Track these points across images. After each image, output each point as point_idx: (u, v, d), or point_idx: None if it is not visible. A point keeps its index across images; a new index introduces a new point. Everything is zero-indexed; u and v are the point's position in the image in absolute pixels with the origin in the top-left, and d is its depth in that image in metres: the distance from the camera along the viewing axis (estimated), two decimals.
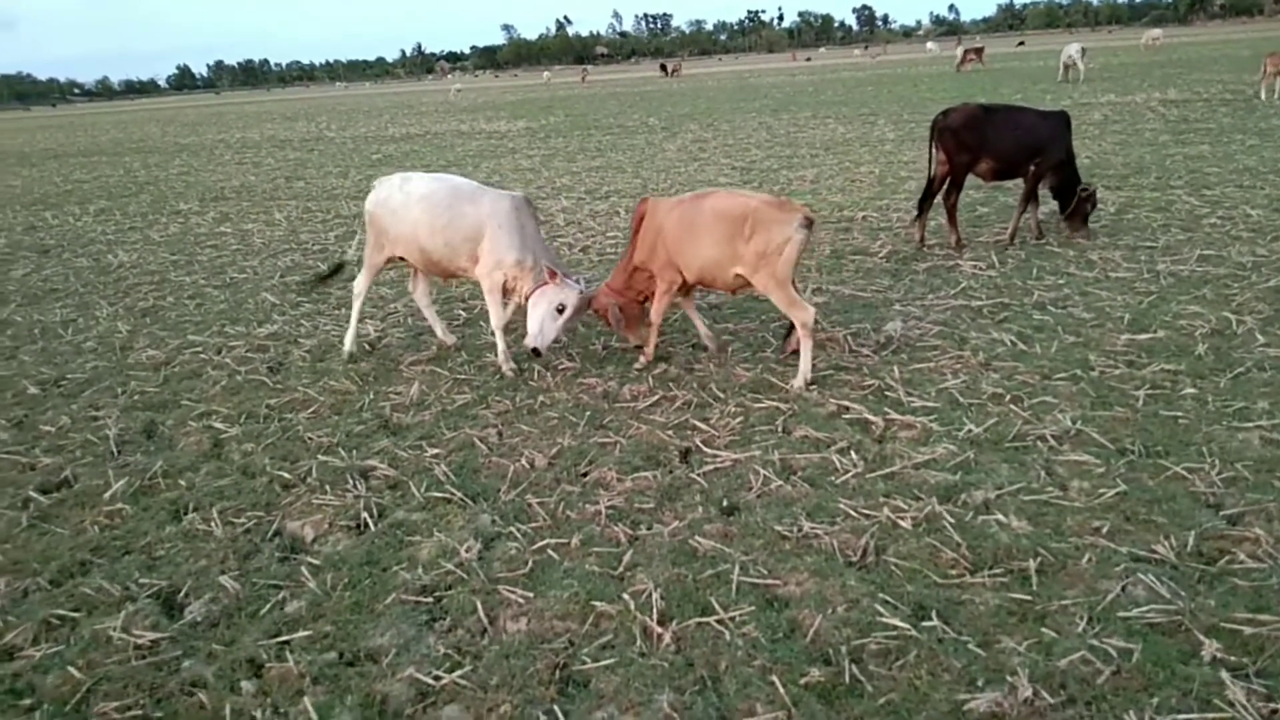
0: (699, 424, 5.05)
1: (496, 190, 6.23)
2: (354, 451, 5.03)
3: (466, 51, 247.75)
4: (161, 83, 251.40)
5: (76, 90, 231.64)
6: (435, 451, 4.96)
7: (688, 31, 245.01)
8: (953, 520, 3.90)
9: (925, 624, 3.23)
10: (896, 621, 3.23)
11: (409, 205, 6.08)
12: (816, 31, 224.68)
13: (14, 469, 5.09)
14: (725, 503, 4.19)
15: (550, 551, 3.87)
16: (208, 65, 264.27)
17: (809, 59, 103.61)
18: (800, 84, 44.03)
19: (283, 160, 22.62)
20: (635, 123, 27.06)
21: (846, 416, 5.03)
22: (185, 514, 4.43)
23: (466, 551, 3.88)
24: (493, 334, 6.27)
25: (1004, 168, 8.46)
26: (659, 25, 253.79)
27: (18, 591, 3.84)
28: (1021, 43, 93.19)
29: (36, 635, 3.51)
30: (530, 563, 3.79)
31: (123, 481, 4.75)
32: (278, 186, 16.97)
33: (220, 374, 6.49)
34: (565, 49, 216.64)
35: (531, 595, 3.56)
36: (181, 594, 3.74)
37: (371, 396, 5.85)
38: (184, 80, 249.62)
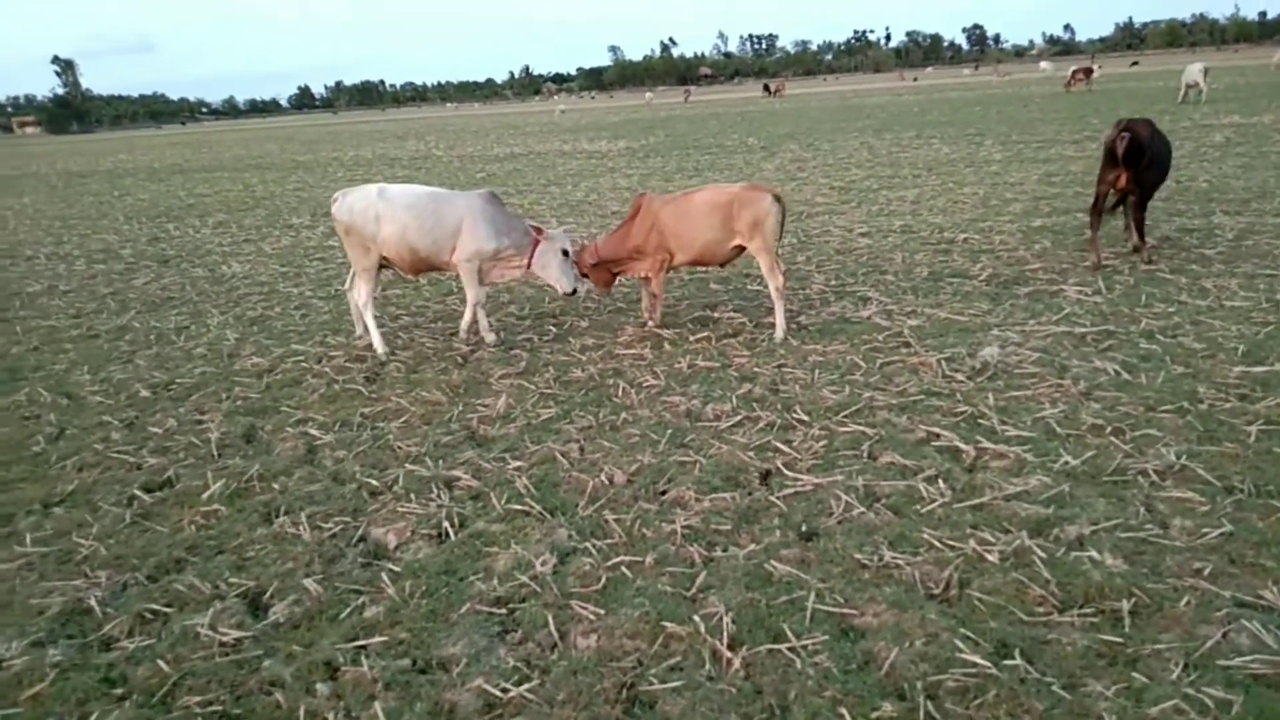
0: (781, 446, 4.97)
1: (467, 191, 7.27)
2: (440, 461, 5.12)
3: (573, 73, 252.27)
4: (283, 102, 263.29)
5: (205, 109, 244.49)
6: (518, 464, 5.01)
7: (793, 52, 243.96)
8: (1043, 555, 3.73)
9: (1007, 662, 3.09)
10: (977, 659, 3.11)
11: (395, 212, 6.88)
12: (925, 51, 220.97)
13: (122, 467, 5.35)
14: (804, 527, 4.11)
15: (624, 569, 3.86)
16: (326, 86, 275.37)
17: (915, 79, 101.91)
18: (906, 104, 43.34)
19: (391, 178, 23.35)
20: (734, 142, 27.05)
21: (936, 444, 4.88)
22: (276, 517, 4.58)
23: (541, 565, 3.90)
24: (473, 310, 7.25)
25: (1155, 182, 8.44)
26: (764, 46, 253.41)
27: (117, 585, 4.02)
28: (1135, 63, 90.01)
29: (131, 628, 3.67)
30: (603, 579, 3.78)
31: (220, 483, 4.94)
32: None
33: (319, 382, 6.71)
34: (669, 70, 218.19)
35: (603, 612, 3.55)
36: (267, 594, 3.87)
37: (460, 408, 5.96)
38: (304, 100, 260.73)
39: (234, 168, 31.76)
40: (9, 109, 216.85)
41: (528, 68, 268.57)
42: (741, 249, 7.00)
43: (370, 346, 7.36)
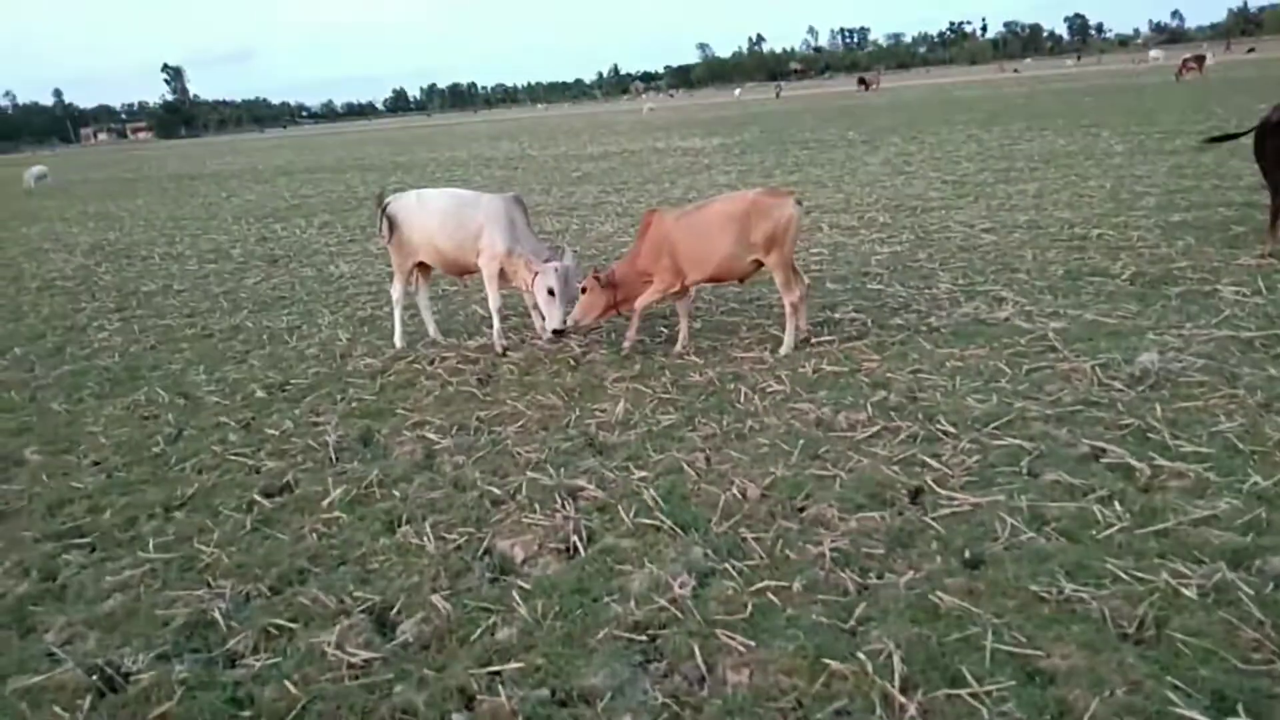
0: (928, 460, 4.59)
1: (491, 194, 7.37)
2: (561, 470, 4.90)
3: (660, 71, 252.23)
4: (379, 105, 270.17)
5: (304, 113, 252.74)
6: (642, 474, 4.75)
7: (885, 45, 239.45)
8: (1249, 591, 3.29)
9: None
10: (1195, 715, 2.71)
11: (427, 217, 7.14)
12: (1023, 42, 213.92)
13: (241, 470, 5.27)
14: (967, 553, 3.74)
15: (770, 595, 3.55)
16: (420, 88, 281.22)
17: (1016, 70, 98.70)
18: (1009, 96, 41.88)
19: (489, 178, 23.49)
20: (833, 137, 26.43)
21: (1104, 460, 4.44)
22: (399, 525, 4.42)
23: (680, 587, 3.62)
24: (499, 316, 7.24)
25: None
26: (855, 39, 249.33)
27: (241, 596, 3.90)
28: (1252, 49, 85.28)
29: (256, 644, 3.52)
30: (749, 606, 3.48)
31: (340, 490, 4.81)
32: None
33: (433, 384, 6.58)
34: (758, 66, 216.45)
35: (753, 644, 3.25)
36: (394, 610, 3.68)
37: (577, 413, 5.74)
38: (399, 103, 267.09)
39: (335, 169, 32.47)
40: (123, 115, 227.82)
41: (616, 67, 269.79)
42: (760, 264, 6.40)
43: (483, 348, 7.23)
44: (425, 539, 4.22)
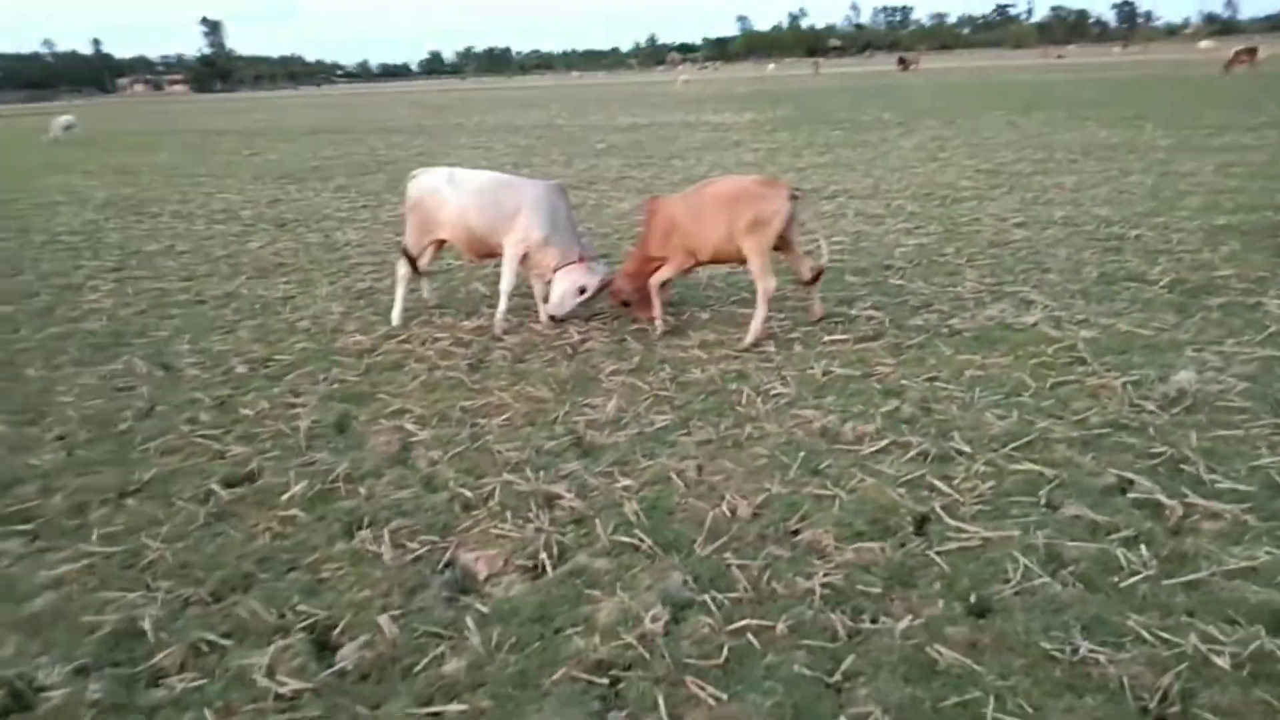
0: (938, 483, 4.20)
1: (533, 179, 7.35)
2: (541, 473, 4.55)
3: (699, 43, 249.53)
4: (414, 67, 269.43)
5: (340, 72, 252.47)
6: (627, 483, 4.40)
7: (928, 25, 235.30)
8: None
9: None
10: None
11: (460, 196, 6.95)
12: (1069, 28, 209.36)
13: (205, 455, 4.97)
14: (974, 597, 3.35)
15: (750, 637, 3.19)
16: (456, 52, 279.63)
17: (1061, 55, 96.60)
18: (1052, 82, 40.81)
19: (513, 146, 23.08)
20: (869, 118, 25.76)
21: (1131, 494, 4.03)
22: (359, 529, 4.08)
23: (652, 621, 3.27)
24: (507, 299, 7.01)
25: None
26: (898, 18, 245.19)
27: (178, 602, 3.59)
28: None
29: (184, 661, 3.21)
30: (725, 649, 3.13)
31: (303, 483, 4.48)
32: (505, 171, 17.11)
33: (421, 367, 6.25)
34: (797, 41, 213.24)
35: (725, 696, 2.90)
36: (337, 630, 3.36)
37: (567, 408, 5.39)
38: (434, 65, 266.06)
39: (362, 130, 32.16)
40: (160, 67, 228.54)
41: (653, 37, 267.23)
42: None
43: (478, 330, 6.92)
44: (384, 546, 3.89)
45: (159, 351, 6.86)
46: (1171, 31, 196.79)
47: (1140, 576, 3.42)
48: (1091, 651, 3.01)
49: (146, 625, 3.39)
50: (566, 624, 3.32)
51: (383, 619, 3.37)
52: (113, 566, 3.89)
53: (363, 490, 4.47)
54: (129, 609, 3.53)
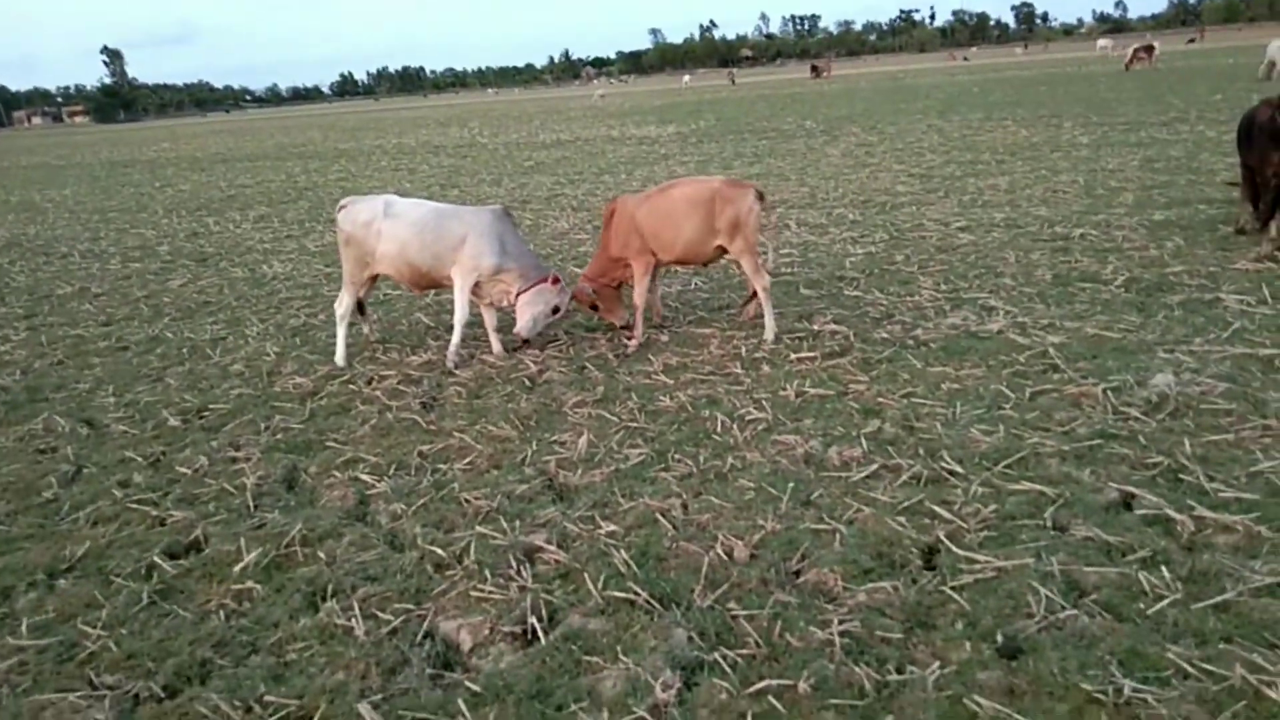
0: (939, 509, 4.02)
1: (475, 207, 7.07)
2: (516, 522, 4.24)
3: (612, 56, 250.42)
4: (325, 89, 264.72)
5: (249, 97, 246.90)
6: (611, 528, 4.12)
7: (836, 32, 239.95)
8: None
9: None
10: None
11: (397, 228, 6.55)
12: (971, 30, 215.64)
13: (143, 523, 4.53)
14: (1000, 636, 3.15)
15: (772, 700, 2.93)
16: (369, 73, 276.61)
17: (966, 58, 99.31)
18: (962, 84, 41.74)
19: (437, 166, 22.58)
20: (791, 126, 25.89)
21: (1137, 510, 3.89)
22: (323, 600, 3.73)
23: (663, 689, 2.99)
24: (451, 329, 6.70)
25: None
26: (806, 26, 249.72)
27: (126, 700, 3.19)
28: (1192, 40, 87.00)
29: None
30: (748, 717, 2.87)
31: (257, 551, 4.09)
32: (433, 194, 16.67)
33: (370, 410, 5.87)
34: (710, 52, 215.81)
35: None
36: None
37: (534, 447, 5.08)
38: (346, 87, 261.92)
39: (276, 156, 31.22)
40: (59, 99, 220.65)
41: (567, 52, 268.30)
42: (724, 249, 6.50)
43: (427, 365, 6.56)
44: (354, 619, 3.54)
45: (81, 405, 6.35)
46: (1068, 31, 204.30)
47: (1167, 601, 3.26)
48: (1136, 691, 2.82)
49: None
50: (569, 699, 3.02)
51: (363, 707, 3.03)
52: (47, 662, 3.46)
53: (322, 554, 4.09)
54: (70, 713, 3.12)
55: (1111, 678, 2.89)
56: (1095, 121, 19.56)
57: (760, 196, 6.40)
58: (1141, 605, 3.27)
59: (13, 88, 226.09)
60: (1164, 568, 3.46)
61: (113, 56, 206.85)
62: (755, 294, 6.65)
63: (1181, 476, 4.14)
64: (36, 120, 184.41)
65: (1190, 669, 2.91)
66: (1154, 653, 3.00)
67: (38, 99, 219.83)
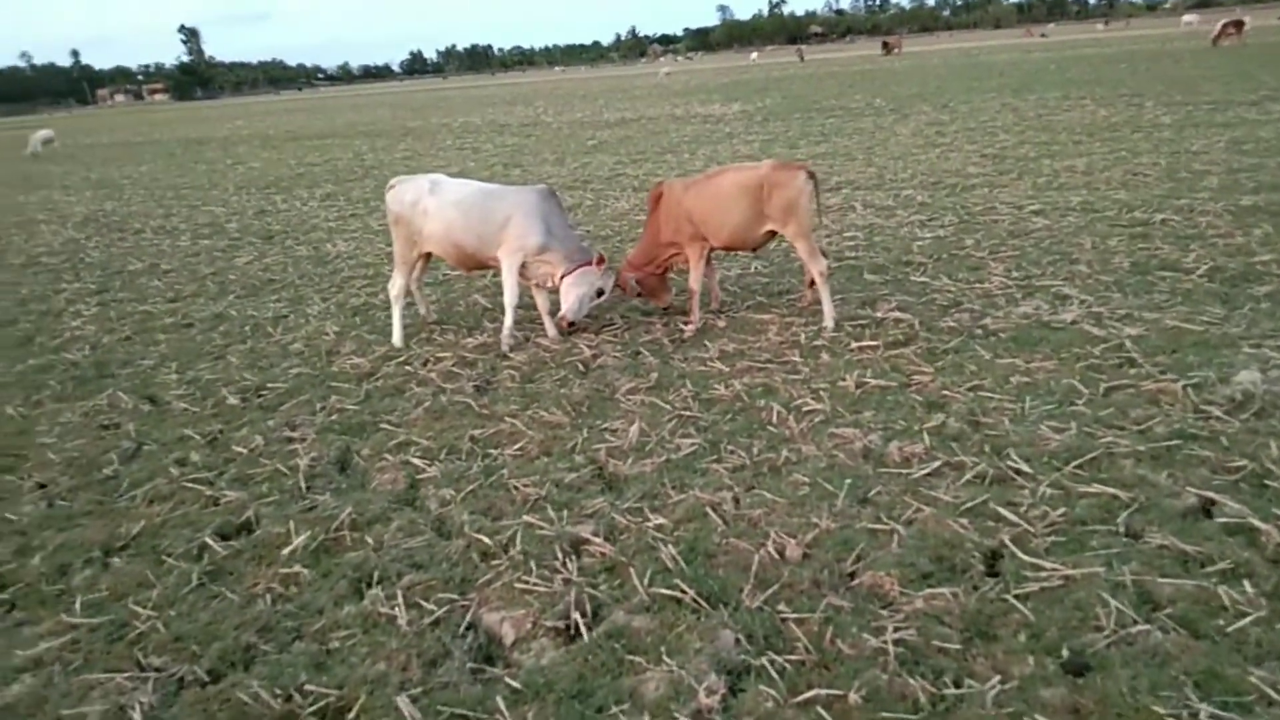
0: (1004, 511, 3.83)
1: (521, 186, 7.06)
2: (564, 512, 4.17)
3: (679, 34, 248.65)
4: (395, 67, 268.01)
5: (320, 75, 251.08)
6: (659, 521, 4.02)
7: (908, 7, 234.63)
8: None
9: None
10: None
11: (443, 208, 6.54)
12: (1049, 6, 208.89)
13: (197, 502, 4.58)
14: (1066, 651, 2.98)
15: (820, 710, 2.82)
16: (438, 51, 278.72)
17: (1044, 34, 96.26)
18: (1039, 61, 40.41)
19: (500, 146, 22.61)
20: (859, 104, 25.33)
21: (1218, 518, 3.67)
22: (368, 586, 3.70)
23: (707, 694, 2.89)
24: (512, 314, 6.59)
25: None
26: (878, 2, 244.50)
27: (171, 684, 3.20)
28: None
29: None
30: None
31: (306, 534, 4.09)
32: (495, 173, 16.70)
33: (424, 391, 5.86)
34: (778, 29, 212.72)
35: None
36: (351, 715, 2.98)
37: (585, 434, 5.00)
38: (415, 65, 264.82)
39: (345, 134, 31.62)
40: (139, 76, 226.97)
41: (634, 29, 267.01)
42: (774, 234, 6.43)
43: (482, 347, 6.53)
44: (398, 608, 3.51)
45: (145, 382, 6.46)
46: (1151, 7, 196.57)
47: (1250, 619, 3.05)
48: (1214, 717, 2.65)
49: (136, 717, 3.01)
50: (610, 700, 2.94)
51: (401, 700, 2.99)
52: (98, 641, 3.50)
53: (370, 539, 4.08)
54: (117, 695, 3.15)
55: (1186, 701, 2.71)
56: (1179, 101, 18.72)
57: (811, 176, 6.23)
58: (1221, 622, 3.06)
59: (96, 66, 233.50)
60: (1246, 582, 3.24)
61: (190, 35, 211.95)
62: (813, 281, 6.49)
63: (1267, 482, 3.89)
64: (119, 98, 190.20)
65: (1275, 695, 2.71)
66: (1234, 675, 2.81)
67: (120, 77, 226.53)
